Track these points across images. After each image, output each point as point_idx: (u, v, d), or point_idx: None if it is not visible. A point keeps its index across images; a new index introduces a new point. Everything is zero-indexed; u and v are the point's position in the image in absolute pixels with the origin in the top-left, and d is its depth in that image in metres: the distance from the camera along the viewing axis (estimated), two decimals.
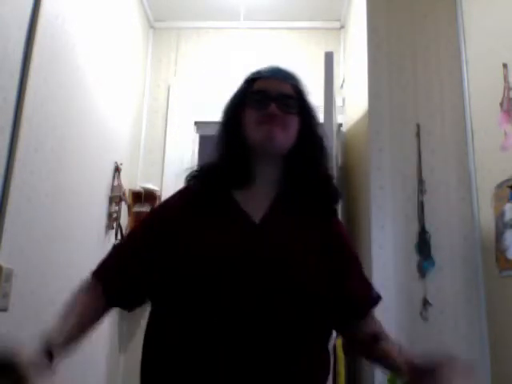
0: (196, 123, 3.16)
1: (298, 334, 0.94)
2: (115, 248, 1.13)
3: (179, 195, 1.12)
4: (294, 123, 1.07)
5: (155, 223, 1.08)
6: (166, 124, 3.14)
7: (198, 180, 1.09)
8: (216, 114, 3.66)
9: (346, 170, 2.80)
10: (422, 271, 2.09)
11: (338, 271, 1.05)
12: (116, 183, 2.56)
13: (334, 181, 1.12)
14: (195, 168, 1.12)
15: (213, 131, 3.84)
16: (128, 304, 1.06)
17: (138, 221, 2.94)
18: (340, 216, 2.61)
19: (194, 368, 0.90)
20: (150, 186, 2.97)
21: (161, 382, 0.94)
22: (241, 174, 1.06)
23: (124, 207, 2.70)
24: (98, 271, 1.07)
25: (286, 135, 1.04)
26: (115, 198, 2.53)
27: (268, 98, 1.04)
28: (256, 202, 1.04)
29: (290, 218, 1.04)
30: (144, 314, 1.09)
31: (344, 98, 3.01)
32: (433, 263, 2.10)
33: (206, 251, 0.96)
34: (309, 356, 0.96)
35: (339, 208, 2.67)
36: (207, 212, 1.04)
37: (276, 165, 1.08)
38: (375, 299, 1.15)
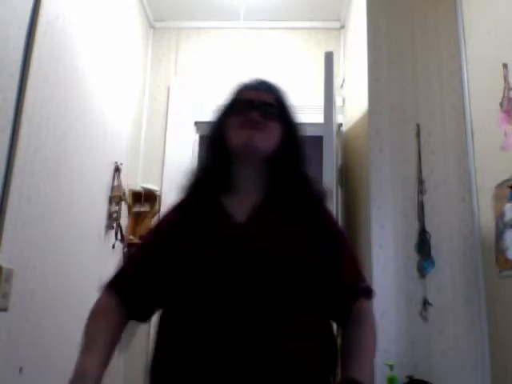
0: (196, 123, 3.16)
1: (291, 324, 0.96)
2: (128, 259, 1.18)
3: (176, 204, 1.18)
4: (274, 129, 1.12)
5: (156, 235, 1.15)
6: (166, 124, 3.14)
7: (189, 186, 1.16)
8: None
9: (346, 169, 2.80)
10: (422, 271, 2.09)
11: (327, 261, 1.06)
12: (116, 183, 2.56)
13: (316, 181, 1.17)
14: (189, 174, 1.18)
15: None
16: (144, 316, 1.11)
17: (138, 221, 2.95)
18: (340, 217, 2.62)
19: (193, 363, 0.94)
20: (150, 186, 2.97)
21: (167, 374, 0.98)
22: (224, 179, 1.12)
23: (124, 207, 2.70)
24: (116, 284, 1.12)
25: (266, 140, 1.10)
26: (115, 198, 2.53)
27: (250, 106, 1.11)
28: (242, 205, 1.09)
29: (275, 218, 1.09)
30: None
31: (344, 97, 3.01)
32: (433, 263, 2.09)
33: (194, 256, 1.01)
34: (311, 349, 0.97)
35: (335, 208, 2.66)
36: (197, 217, 1.10)
37: (260, 169, 1.13)
38: (362, 291, 1.13)
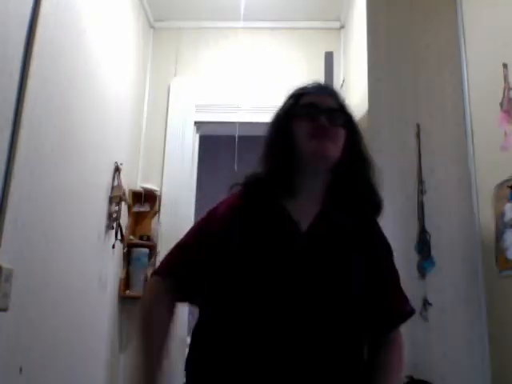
0: (196, 123, 3.16)
1: (336, 341, 0.97)
2: (177, 247, 1.14)
3: (233, 201, 1.14)
4: (341, 136, 1.11)
5: (210, 227, 1.11)
6: (166, 124, 3.14)
7: (248, 189, 1.13)
8: (216, 115, 3.65)
9: None
10: (422, 271, 2.09)
11: (377, 282, 1.08)
12: (116, 183, 2.56)
13: (379, 191, 1.15)
14: (247, 177, 1.14)
15: (213, 131, 3.82)
16: (196, 297, 1.10)
17: (138, 221, 2.94)
18: None
19: (236, 370, 0.94)
20: (150, 186, 2.97)
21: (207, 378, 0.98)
22: (289, 185, 1.09)
23: (124, 207, 2.70)
24: (167, 269, 1.11)
25: (335, 148, 1.08)
26: (115, 198, 2.53)
27: (318, 111, 1.09)
28: (304, 211, 1.07)
29: (336, 228, 1.07)
30: None
31: (344, 98, 3.01)
32: (433, 263, 2.09)
33: (255, 259, 1.00)
34: (345, 362, 0.98)
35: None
36: (259, 220, 1.07)
37: (323, 177, 1.11)
38: (405, 315, 1.16)
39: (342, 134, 1.11)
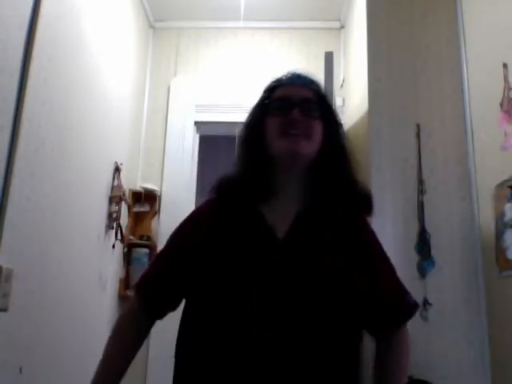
0: (196, 123, 3.16)
1: (326, 344, 0.91)
2: (155, 259, 1.14)
3: (205, 208, 1.08)
4: (317, 129, 1.01)
5: (184, 236, 1.07)
6: (166, 124, 3.14)
7: (223, 193, 1.06)
8: (216, 115, 3.65)
9: None
10: (422, 271, 2.09)
11: (368, 279, 1.00)
12: (116, 183, 2.56)
13: (361, 184, 1.07)
14: (219, 180, 1.07)
15: (213, 131, 3.82)
16: (163, 313, 1.08)
17: (138, 221, 2.94)
18: None
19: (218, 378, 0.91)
20: (150, 185, 2.97)
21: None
22: (264, 187, 1.02)
23: (124, 207, 2.70)
24: (141, 285, 1.10)
25: (310, 144, 0.99)
26: (115, 198, 2.53)
27: (290, 104, 1.00)
28: (281, 215, 1.00)
29: (315, 231, 1.00)
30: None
31: (344, 98, 3.01)
32: (433, 263, 2.09)
33: (230, 266, 0.95)
34: (337, 365, 0.93)
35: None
36: (233, 226, 1.01)
37: (302, 175, 1.02)
38: (407, 311, 1.08)
39: (317, 126, 1.01)
